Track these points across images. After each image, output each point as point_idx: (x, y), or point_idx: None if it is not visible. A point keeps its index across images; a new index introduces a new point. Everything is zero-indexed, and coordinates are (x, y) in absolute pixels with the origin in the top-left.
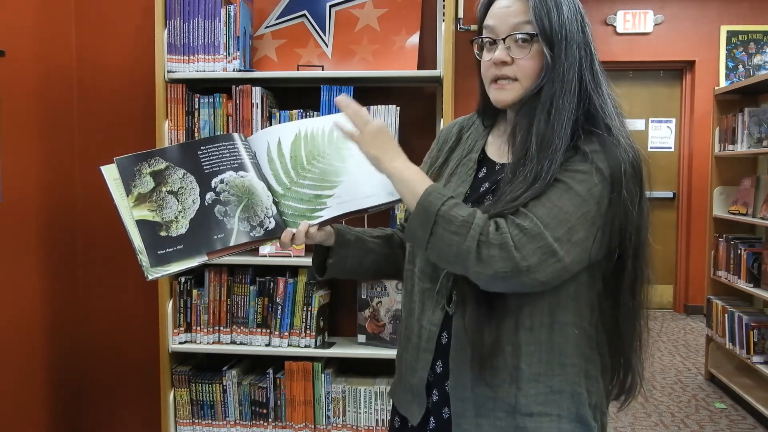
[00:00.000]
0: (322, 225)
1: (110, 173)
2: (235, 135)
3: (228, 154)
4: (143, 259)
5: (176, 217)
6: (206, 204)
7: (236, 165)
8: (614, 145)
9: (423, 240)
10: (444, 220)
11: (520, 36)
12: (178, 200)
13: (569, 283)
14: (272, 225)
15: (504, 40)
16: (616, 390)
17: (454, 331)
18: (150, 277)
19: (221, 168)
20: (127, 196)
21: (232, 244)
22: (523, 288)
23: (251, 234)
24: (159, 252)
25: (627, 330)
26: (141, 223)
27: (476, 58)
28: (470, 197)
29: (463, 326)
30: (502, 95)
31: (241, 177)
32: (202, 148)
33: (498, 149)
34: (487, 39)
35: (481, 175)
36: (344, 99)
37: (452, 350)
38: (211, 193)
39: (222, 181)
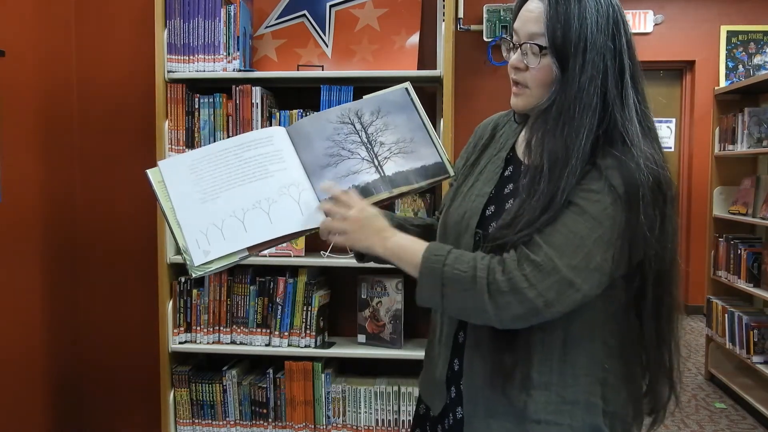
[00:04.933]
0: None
1: (155, 176)
2: (278, 130)
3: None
4: (187, 257)
5: None
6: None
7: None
8: (631, 165)
9: (438, 304)
10: (450, 281)
11: (533, 45)
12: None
13: None
14: (312, 218)
15: (521, 46)
16: (649, 406)
17: (468, 332)
18: (194, 275)
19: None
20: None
21: (269, 238)
22: (545, 320)
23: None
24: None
25: (653, 352)
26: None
27: (504, 57)
28: (494, 197)
29: (476, 331)
30: (514, 100)
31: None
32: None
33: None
34: (511, 41)
35: (507, 173)
36: (328, 184)
37: (466, 351)
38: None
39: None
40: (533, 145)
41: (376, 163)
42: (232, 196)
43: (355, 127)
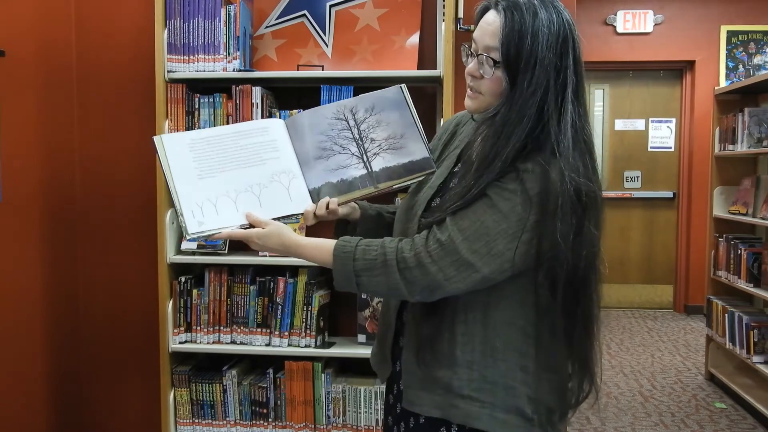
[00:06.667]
0: (344, 202)
1: (159, 145)
2: (275, 122)
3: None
4: (182, 223)
5: None
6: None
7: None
8: (552, 174)
9: (354, 290)
10: (364, 272)
11: (488, 58)
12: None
13: (500, 286)
14: (300, 204)
15: (478, 56)
16: (575, 395)
17: (407, 312)
18: (188, 238)
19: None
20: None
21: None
22: (449, 295)
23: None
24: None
25: (572, 348)
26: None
27: (463, 62)
28: (441, 190)
29: (413, 311)
30: (468, 102)
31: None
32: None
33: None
34: (470, 49)
35: (455, 169)
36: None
37: (406, 329)
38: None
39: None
40: (474, 146)
41: (365, 159)
42: (227, 177)
43: (348, 123)
